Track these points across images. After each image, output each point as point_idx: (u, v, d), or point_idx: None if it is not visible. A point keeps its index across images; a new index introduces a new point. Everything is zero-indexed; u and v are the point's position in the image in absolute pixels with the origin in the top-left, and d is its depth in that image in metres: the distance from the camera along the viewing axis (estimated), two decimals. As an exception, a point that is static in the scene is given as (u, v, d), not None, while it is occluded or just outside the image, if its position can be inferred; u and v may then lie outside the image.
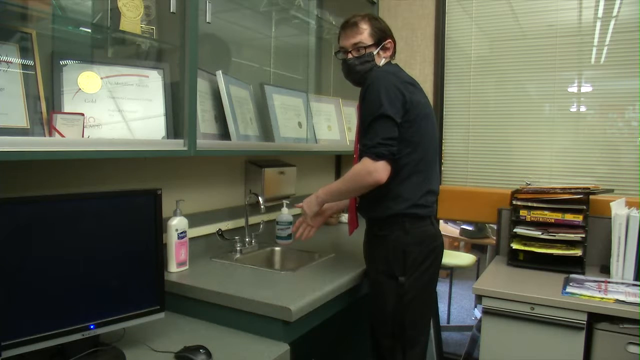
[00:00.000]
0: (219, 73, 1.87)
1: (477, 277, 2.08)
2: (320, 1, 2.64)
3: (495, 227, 2.44)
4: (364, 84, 1.61)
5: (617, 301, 1.67)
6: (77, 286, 1.18)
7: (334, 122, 2.73)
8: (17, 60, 1.26)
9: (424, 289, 1.65)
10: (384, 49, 1.71)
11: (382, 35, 1.70)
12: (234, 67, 2.20)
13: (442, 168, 2.69)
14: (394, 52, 1.76)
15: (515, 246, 2.10)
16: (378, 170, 1.52)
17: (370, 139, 1.53)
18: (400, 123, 1.55)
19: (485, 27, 2.55)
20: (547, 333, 1.73)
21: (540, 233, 2.07)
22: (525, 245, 2.09)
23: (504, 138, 2.53)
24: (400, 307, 1.61)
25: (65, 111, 1.34)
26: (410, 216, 1.61)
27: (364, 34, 1.68)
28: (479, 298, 1.85)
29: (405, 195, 1.60)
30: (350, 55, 1.70)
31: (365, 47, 1.67)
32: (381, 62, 1.70)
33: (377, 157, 1.51)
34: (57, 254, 1.14)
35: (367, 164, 1.53)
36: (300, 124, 2.41)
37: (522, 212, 2.13)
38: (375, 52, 1.68)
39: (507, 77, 2.50)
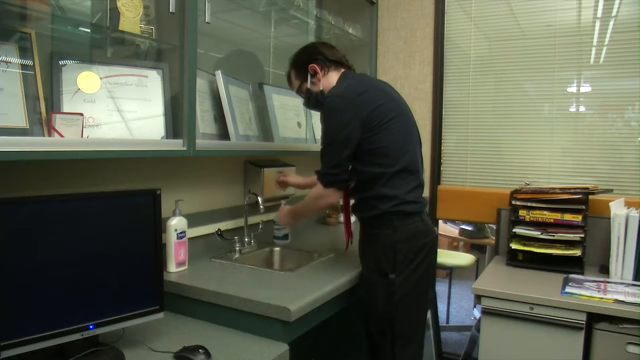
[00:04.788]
0: (218, 73, 1.87)
1: (477, 277, 2.09)
2: (319, 1, 2.64)
3: (494, 227, 2.44)
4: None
5: (617, 301, 1.67)
6: (76, 286, 1.18)
7: (333, 122, 2.73)
8: (16, 60, 1.26)
9: (415, 286, 1.65)
10: (313, 74, 1.78)
11: (304, 67, 1.79)
12: (236, 67, 2.20)
13: (442, 168, 2.69)
14: (337, 62, 1.78)
15: (514, 246, 2.11)
16: (328, 195, 1.68)
17: (322, 166, 1.67)
18: (365, 135, 1.59)
19: (485, 27, 2.56)
20: (547, 333, 1.73)
21: (539, 233, 2.07)
22: (524, 245, 2.09)
23: (503, 138, 2.53)
24: (390, 305, 1.62)
25: (64, 111, 1.34)
26: (398, 214, 1.62)
27: (293, 80, 1.86)
28: (478, 298, 1.85)
29: (391, 194, 1.62)
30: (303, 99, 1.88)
31: (299, 89, 1.84)
32: (320, 86, 1.77)
33: (325, 184, 1.66)
34: (56, 254, 1.14)
35: (319, 189, 1.69)
36: (299, 124, 2.42)
37: (521, 212, 2.13)
38: (308, 86, 1.79)
39: (506, 77, 2.51)
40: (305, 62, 1.78)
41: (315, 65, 1.76)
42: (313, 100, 1.81)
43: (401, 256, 1.61)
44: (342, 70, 1.77)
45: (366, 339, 1.76)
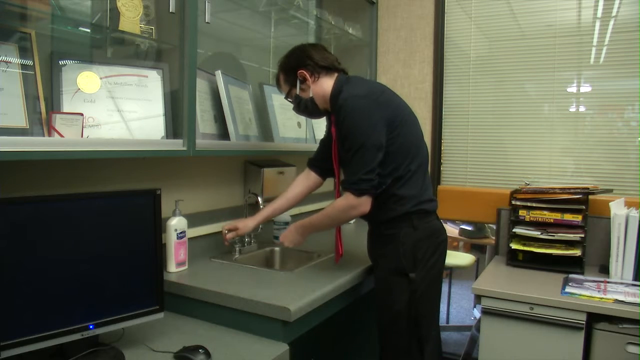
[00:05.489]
0: (218, 73, 1.87)
1: (477, 277, 2.08)
2: (319, 1, 2.64)
3: (494, 227, 2.44)
4: (338, 112, 1.59)
5: (616, 301, 1.67)
6: (76, 286, 1.18)
7: (333, 122, 2.73)
8: (16, 60, 1.26)
9: (432, 284, 1.67)
10: (303, 80, 1.69)
11: (292, 72, 1.70)
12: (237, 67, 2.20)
13: (442, 168, 2.69)
14: (327, 67, 1.68)
15: (514, 246, 2.11)
16: (362, 204, 1.56)
17: (352, 174, 1.55)
18: (389, 138, 1.56)
19: (485, 27, 2.56)
20: (546, 333, 1.73)
21: (539, 233, 2.07)
22: (524, 245, 2.09)
23: (503, 138, 2.53)
24: (412, 303, 1.62)
25: (64, 111, 1.34)
26: (418, 213, 1.63)
27: (282, 84, 1.76)
28: (478, 298, 1.85)
29: (410, 195, 1.62)
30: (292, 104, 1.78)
31: (288, 95, 1.75)
32: (310, 92, 1.69)
33: (359, 193, 1.54)
34: (56, 254, 1.14)
35: (350, 199, 1.56)
36: (299, 124, 2.42)
37: (521, 212, 2.13)
38: (297, 92, 1.71)
39: (506, 77, 2.51)
40: (294, 67, 1.69)
41: (304, 71, 1.67)
42: (302, 107, 1.73)
43: (421, 254, 1.62)
44: (336, 74, 1.70)
45: (381, 341, 1.72)
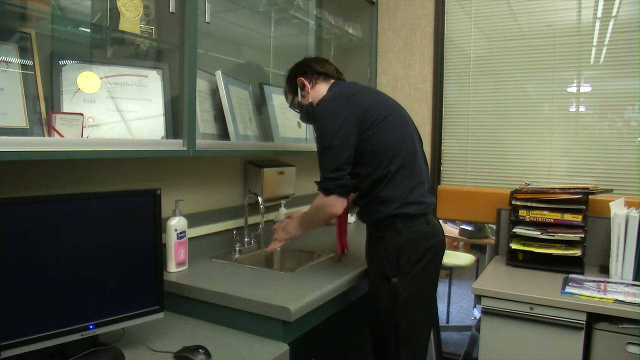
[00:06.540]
0: (218, 73, 1.87)
1: (477, 277, 2.09)
2: (319, 1, 2.64)
3: (494, 227, 2.44)
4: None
5: (617, 301, 1.67)
6: (76, 286, 1.18)
7: (333, 122, 2.73)
8: (16, 60, 1.26)
9: (420, 290, 1.64)
10: (302, 88, 1.78)
11: (293, 81, 1.80)
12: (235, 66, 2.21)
13: (442, 168, 2.69)
14: (325, 74, 1.77)
15: (514, 246, 2.11)
16: (331, 204, 1.60)
17: (321, 173, 1.61)
18: (362, 136, 1.58)
19: (485, 27, 2.56)
20: (547, 333, 1.73)
21: (539, 233, 2.07)
22: (524, 245, 2.09)
23: (503, 138, 2.53)
24: (394, 308, 1.61)
25: (64, 111, 1.34)
26: (401, 216, 1.60)
27: (287, 95, 1.88)
28: (478, 298, 1.85)
29: (393, 197, 1.60)
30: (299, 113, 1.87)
31: (292, 104, 1.85)
32: (309, 98, 1.77)
33: (326, 192, 1.59)
34: (56, 254, 1.14)
35: (320, 199, 1.63)
36: (299, 124, 2.42)
37: (522, 212, 2.13)
38: (299, 100, 1.80)
39: (506, 77, 2.51)
40: (294, 76, 1.80)
41: (302, 78, 1.76)
42: (304, 113, 1.81)
43: (404, 259, 1.60)
44: (332, 81, 1.77)
45: (371, 341, 1.75)
